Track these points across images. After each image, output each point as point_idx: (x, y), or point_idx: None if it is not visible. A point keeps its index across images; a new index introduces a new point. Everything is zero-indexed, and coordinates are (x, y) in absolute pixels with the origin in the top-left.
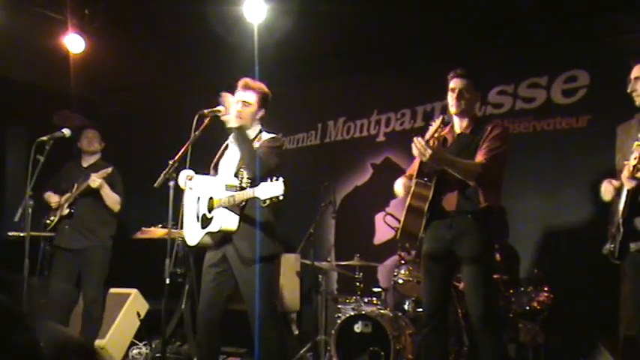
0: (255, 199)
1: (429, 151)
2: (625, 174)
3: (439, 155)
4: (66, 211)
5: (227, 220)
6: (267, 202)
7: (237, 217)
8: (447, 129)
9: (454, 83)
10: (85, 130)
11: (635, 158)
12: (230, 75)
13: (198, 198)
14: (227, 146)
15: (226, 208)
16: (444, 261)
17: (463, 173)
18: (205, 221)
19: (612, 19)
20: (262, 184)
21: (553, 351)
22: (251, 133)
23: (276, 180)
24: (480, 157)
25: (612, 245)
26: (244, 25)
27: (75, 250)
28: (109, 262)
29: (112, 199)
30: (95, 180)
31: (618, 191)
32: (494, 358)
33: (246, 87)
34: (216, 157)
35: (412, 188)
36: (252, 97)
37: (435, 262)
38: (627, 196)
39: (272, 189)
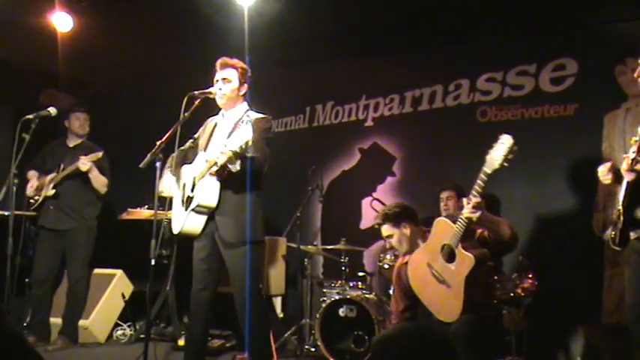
0: (237, 174)
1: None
2: (624, 167)
3: (484, 216)
4: (51, 192)
5: (206, 196)
6: (239, 150)
7: (216, 194)
8: None
9: (382, 232)
10: (75, 112)
11: (634, 152)
12: (220, 57)
13: (184, 185)
14: (215, 125)
15: (209, 181)
16: None
17: (498, 231)
18: (189, 202)
19: (602, 8)
20: (231, 136)
21: (536, 337)
22: (237, 111)
23: (245, 125)
24: None
25: (613, 232)
26: (234, 7)
27: (60, 230)
28: (94, 243)
29: (100, 182)
30: (85, 163)
31: (617, 178)
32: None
33: (225, 65)
34: (206, 139)
35: (460, 249)
36: (231, 74)
37: None
38: (627, 187)
39: (241, 135)
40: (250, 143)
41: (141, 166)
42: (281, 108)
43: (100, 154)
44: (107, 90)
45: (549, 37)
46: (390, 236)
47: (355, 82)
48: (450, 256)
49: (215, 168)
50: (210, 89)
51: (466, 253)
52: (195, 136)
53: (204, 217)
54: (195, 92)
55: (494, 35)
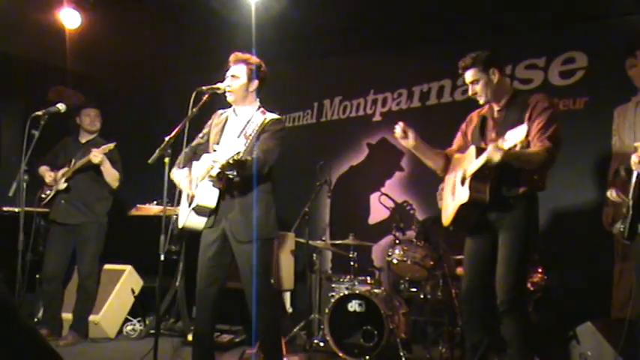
0: (250, 177)
1: (500, 153)
2: (635, 159)
3: (509, 155)
4: (63, 186)
5: (205, 197)
6: (231, 162)
7: (215, 195)
8: (486, 108)
9: (466, 77)
10: (85, 108)
11: None
12: (227, 52)
13: (191, 181)
14: (226, 120)
15: (210, 183)
16: (486, 239)
17: (529, 164)
18: (192, 199)
19: (612, 1)
20: (220, 147)
21: (546, 332)
22: (249, 109)
23: (238, 139)
24: (538, 143)
25: (622, 226)
26: (242, 3)
27: (71, 224)
28: (104, 238)
29: (112, 175)
30: (97, 155)
31: (628, 174)
32: (516, 341)
33: (236, 61)
34: (216, 135)
35: (468, 182)
36: (240, 70)
37: (477, 240)
38: (637, 180)
39: (230, 149)
40: (239, 156)
41: (149, 161)
42: (289, 103)
43: (111, 145)
44: (115, 86)
45: (558, 31)
46: (475, 82)
47: (363, 77)
48: (463, 180)
49: (213, 172)
50: (219, 85)
51: (467, 188)
52: (205, 131)
53: (205, 216)
54: (204, 87)
55: (502, 29)
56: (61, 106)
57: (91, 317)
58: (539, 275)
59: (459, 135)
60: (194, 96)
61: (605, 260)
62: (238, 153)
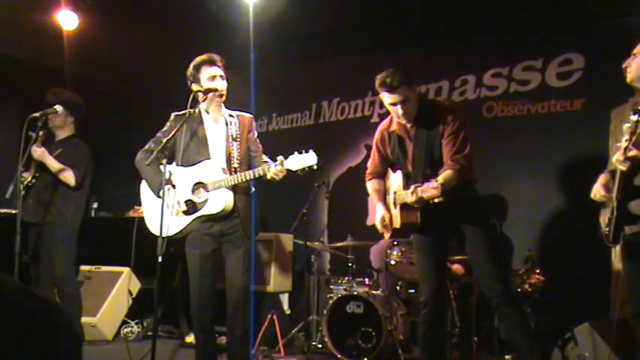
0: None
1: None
2: (618, 157)
3: (422, 202)
4: (27, 179)
5: (222, 203)
6: (299, 172)
7: (231, 199)
8: (394, 126)
9: (390, 98)
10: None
11: (626, 140)
12: (225, 54)
13: (173, 186)
14: (200, 122)
15: (227, 188)
16: (439, 240)
17: (451, 189)
18: (192, 206)
19: (608, 2)
20: (291, 157)
21: (543, 333)
22: (219, 109)
23: (306, 152)
24: (448, 158)
25: (607, 229)
26: (240, 4)
27: (37, 224)
28: (76, 242)
29: (57, 169)
30: (36, 150)
31: (612, 175)
32: (524, 329)
33: (219, 62)
34: (198, 139)
35: (399, 209)
36: (224, 72)
37: (430, 243)
38: (620, 179)
39: (304, 160)
40: (311, 168)
41: (147, 163)
42: (287, 104)
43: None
44: (113, 87)
45: (555, 32)
46: (406, 101)
47: (361, 78)
48: (394, 203)
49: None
50: (216, 86)
51: (398, 214)
52: (170, 137)
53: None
54: (201, 89)
55: (500, 30)
56: (58, 108)
57: (89, 319)
58: (537, 276)
59: (376, 155)
60: (191, 97)
61: (603, 261)
62: (311, 166)
